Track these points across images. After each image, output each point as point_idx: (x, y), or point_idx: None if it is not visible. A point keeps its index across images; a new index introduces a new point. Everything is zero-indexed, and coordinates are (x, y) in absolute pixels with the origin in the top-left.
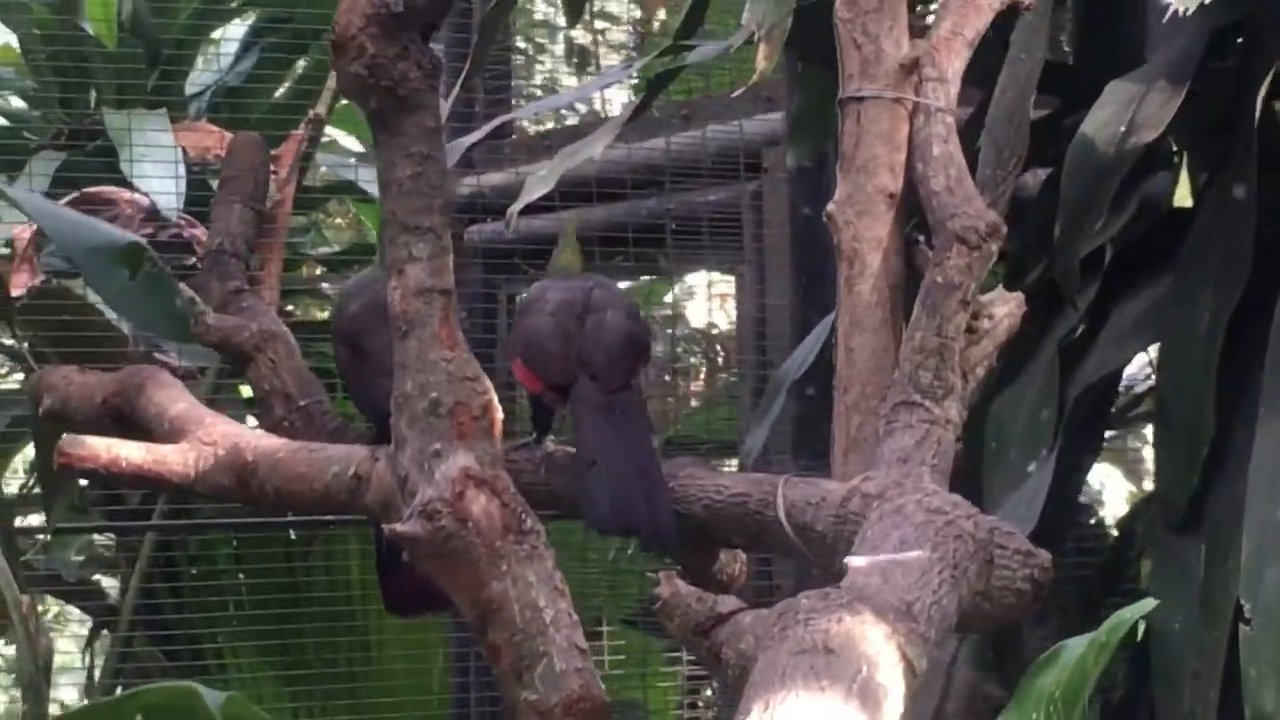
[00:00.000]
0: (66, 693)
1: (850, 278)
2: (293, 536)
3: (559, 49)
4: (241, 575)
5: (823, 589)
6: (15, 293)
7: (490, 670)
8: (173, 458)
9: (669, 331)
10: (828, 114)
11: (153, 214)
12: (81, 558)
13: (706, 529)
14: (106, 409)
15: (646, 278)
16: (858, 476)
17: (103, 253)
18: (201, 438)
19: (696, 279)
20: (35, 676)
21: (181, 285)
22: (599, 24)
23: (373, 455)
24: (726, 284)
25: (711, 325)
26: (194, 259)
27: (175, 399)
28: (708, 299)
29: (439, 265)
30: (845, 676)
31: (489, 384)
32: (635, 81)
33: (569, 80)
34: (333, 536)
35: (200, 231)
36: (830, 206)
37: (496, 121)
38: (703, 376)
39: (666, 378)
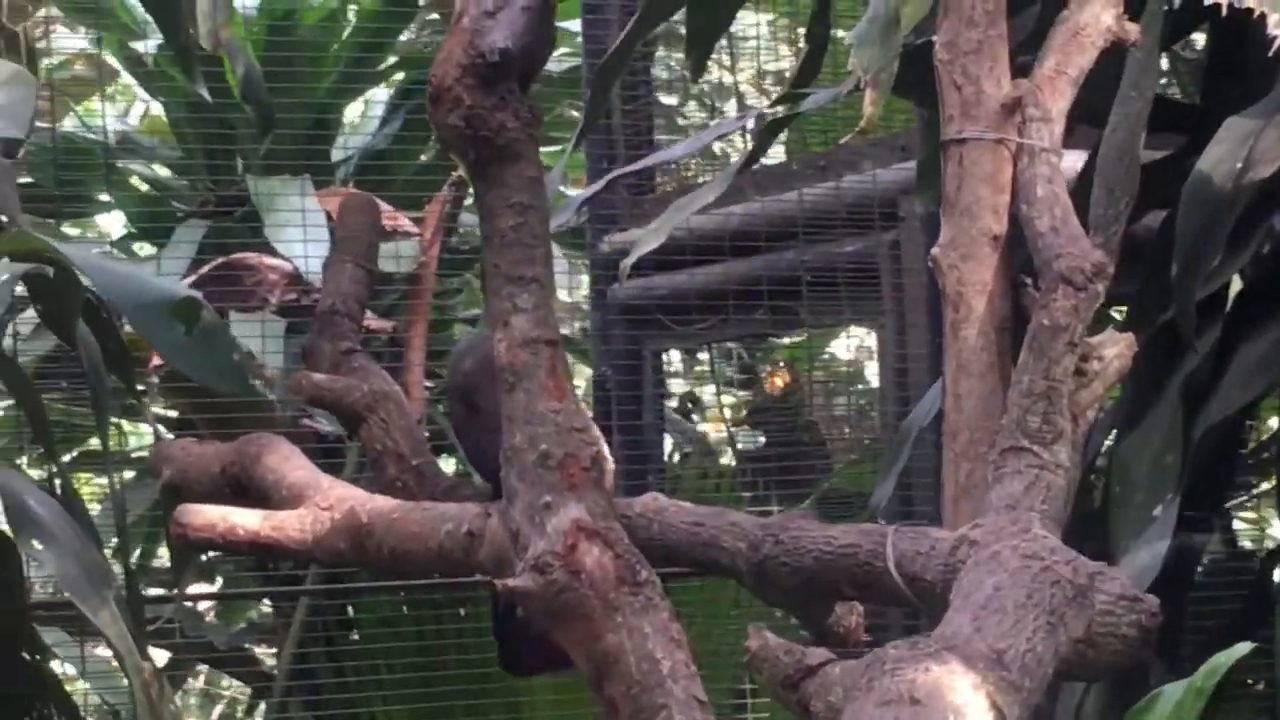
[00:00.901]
0: None
1: (956, 322)
2: (439, 600)
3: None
4: (392, 640)
5: (911, 638)
6: (157, 360)
7: None
8: (289, 524)
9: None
10: None
11: (295, 279)
12: (239, 626)
13: (817, 581)
14: (225, 479)
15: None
16: (966, 525)
17: (156, 307)
18: (318, 502)
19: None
20: None
21: (235, 340)
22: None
23: (485, 511)
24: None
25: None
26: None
27: (293, 466)
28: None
29: (544, 315)
30: None
31: (598, 434)
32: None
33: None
34: (480, 598)
35: None
36: (934, 250)
37: (609, 178)
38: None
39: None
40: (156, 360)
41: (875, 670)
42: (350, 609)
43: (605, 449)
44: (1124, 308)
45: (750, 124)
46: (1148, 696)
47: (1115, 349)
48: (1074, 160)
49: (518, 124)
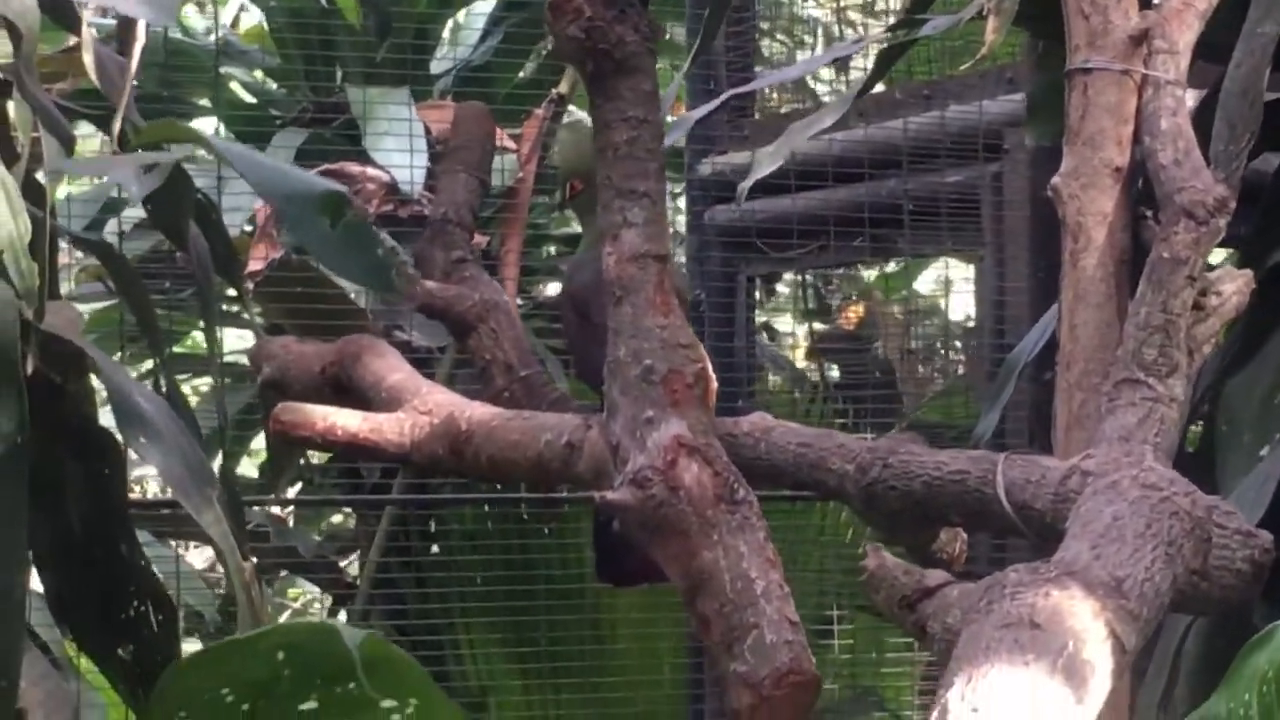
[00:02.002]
0: None
1: (1075, 252)
2: (525, 515)
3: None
4: (475, 554)
5: (1031, 563)
6: (254, 266)
7: None
8: (388, 427)
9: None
10: None
11: (393, 190)
12: (320, 537)
13: (926, 506)
14: (325, 378)
15: (894, 263)
16: (1078, 455)
17: (302, 199)
18: (417, 406)
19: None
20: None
21: (383, 235)
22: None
23: (586, 423)
24: (960, 270)
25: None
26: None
27: (393, 368)
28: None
29: (654, 230)
30: (1050, 651)
31: (703, 352)
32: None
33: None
34: (566, 514)
35: None
36: (1055, 180)
37: (724, 96)
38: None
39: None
40: (252, 266)
41: (994, 593)
42: (433, 522)
43: (709, 367)
44: (1231, 249)
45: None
46: (1267, 629)
47: (1233, 285)
48: (1188, 97)
49: (636, 37)
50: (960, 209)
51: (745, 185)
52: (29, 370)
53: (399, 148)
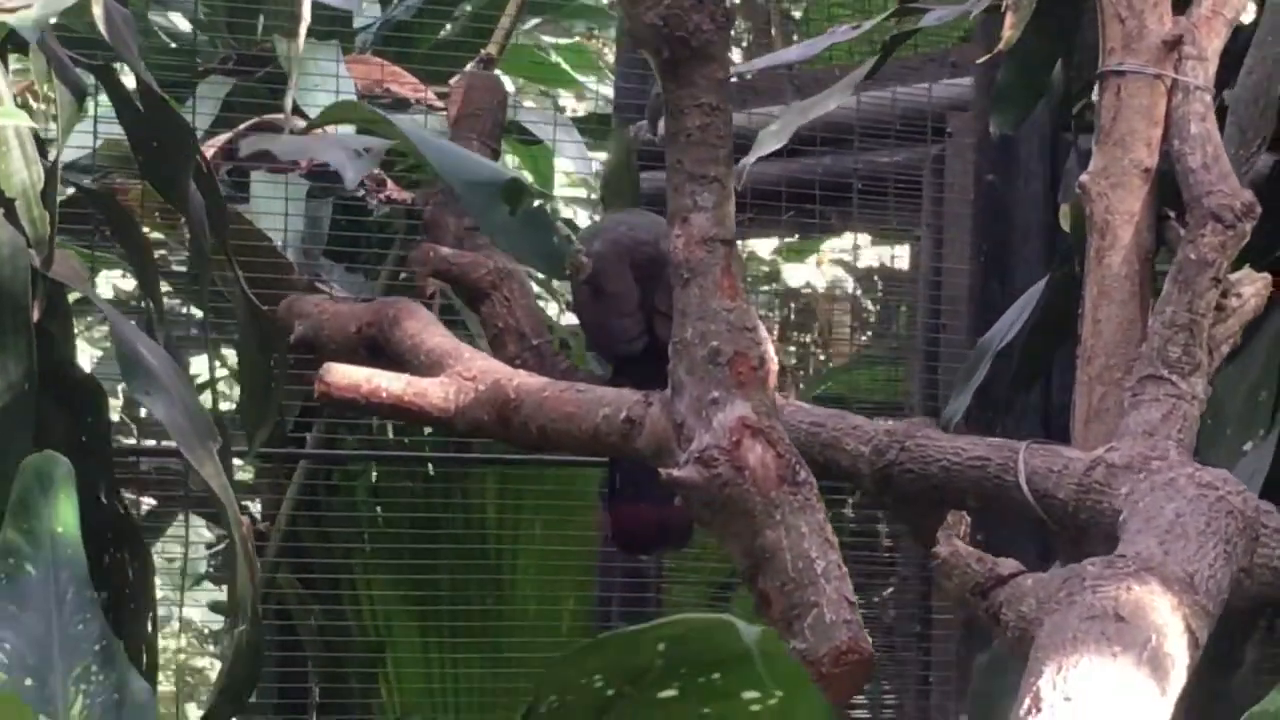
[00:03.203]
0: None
1: (1100, 249)
2: (431, 473)
3: None
4: (379, 509)
5: (1106, 557)
6: None
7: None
8: (433, 391)
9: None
10: (1035, 84)
11: None
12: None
13: (943, 490)
14: (360, 339)
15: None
16: (1102, 447)
17: (485, 187)
18: (461, 372)
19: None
20: (252, 595)
21: (558, 224)
22: None
23: (646, 400)
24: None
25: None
26: (362, 190)
27: (432, 333)
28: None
29: (722, 214)
30: (1136, 644)
31: (766, 335)
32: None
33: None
34: (471, 475)
35: None
36: (1084, 178)
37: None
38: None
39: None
40: None
41: (1074, 585)
42: (337, 476)
43: (771, 350)
44: None
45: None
46: None
47: (1253, 287)
48: None
49: (713, 26)
50: (903, 188)
51: (746, 162)
52: (36, 317)
53: (327, 102)
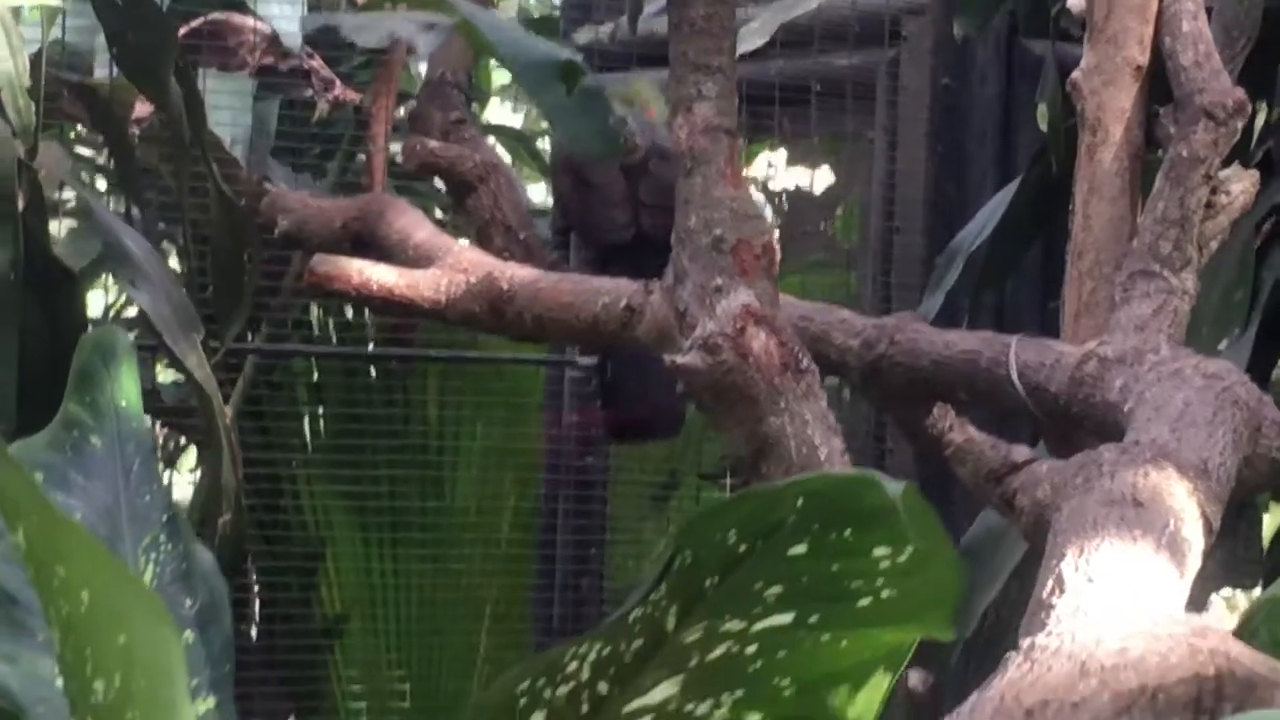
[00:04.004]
0: None
1: (1091, 146)
2: (373, 374)
3: None
4: (321, 407)
5: (1120, 444)
6: (140, 112)
7: (575, 525)
8: (424, 283)
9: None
10: None
11: (274, 43)
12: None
13: (933, 384)
14: (346, 233)
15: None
16: (1093, 341)
17: (542, 66)
18: (452, 264)
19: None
20: (236, 487)
21: (615, 106)
22: None
23: (646, 288)
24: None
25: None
26: (310, 90)
27: (418, 225)
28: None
29: (726, 105)
30: (1155, 529)
31: (769, 224)
32: None
33: None
34: (412, 373)
35: (318, 63)
36: (1075, 75)
37: None
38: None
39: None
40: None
41: (1091, 471)
42: (278, 372)
43: (775, 239)
44: None
45: None
46: None
47: (1241, 185)
48: None
49: None
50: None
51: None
52: (21, 206)
53: (280, 1)
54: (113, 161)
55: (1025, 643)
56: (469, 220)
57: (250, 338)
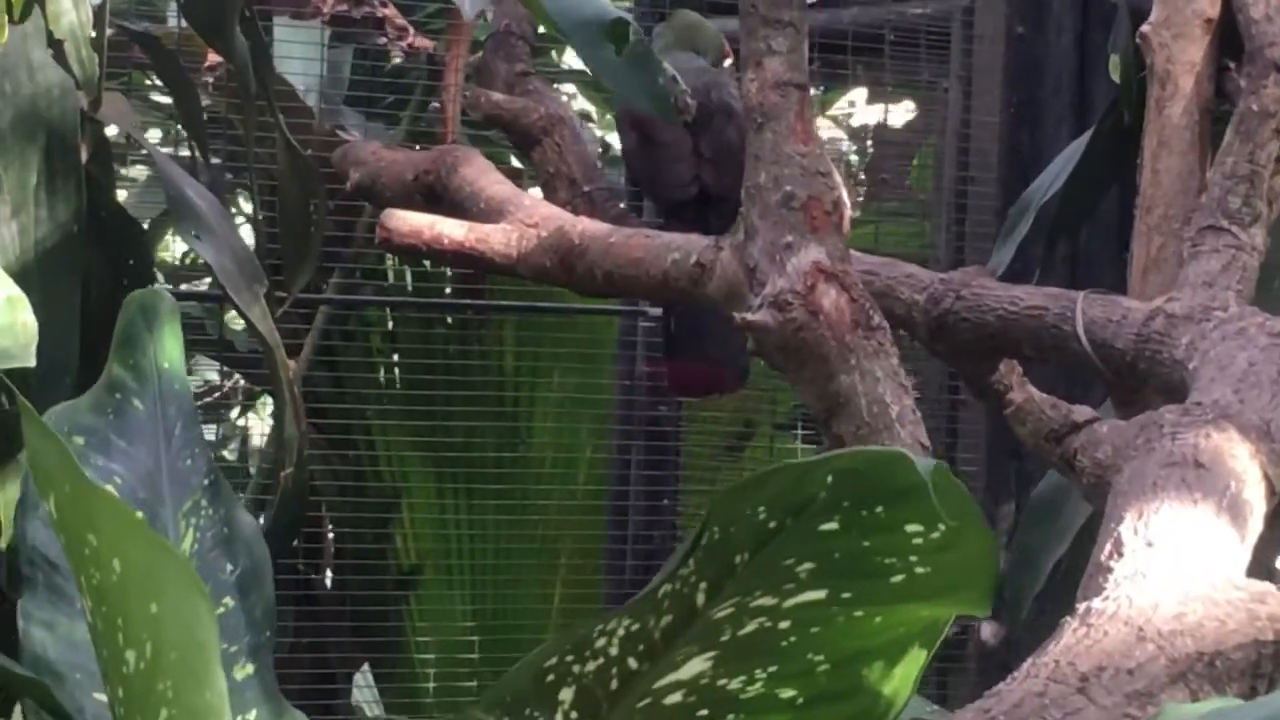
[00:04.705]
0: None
1: (1161, 99)
2: (450, 322)
3: None
4: (396, 357)
5: (1182, 405)
6: (212, 60)
7: (648, 476)
8: (494, 237)
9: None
10: None
11: None
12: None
13: (998, 340)
14: (418, 186)
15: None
16: (1161, 297)
17: (591, 26)
18: (523, 219)
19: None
20: (299, 440)
21: (665, 65)
22: None
23: (716, 244)
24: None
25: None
26: (383, 39)
27: (491, 180)
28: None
29: (796, 59)
30: (1216, 491)
31: (839, 180)
32: None
33: None
34: (489, 323)
35: (391, 11)
36: (1145, 28)
37: None
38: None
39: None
40: (211, 60)
41: (1152, 432)
42: (354, 322)
43: (844, 195)
44: None
45: None
46: None
47: None
48: None
49: None
50: (933, 40)
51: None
52: (84, 159)
53: None
54: (179, 112)
55: (1081, 607)
56: (536, 172)
57: (322, 288)
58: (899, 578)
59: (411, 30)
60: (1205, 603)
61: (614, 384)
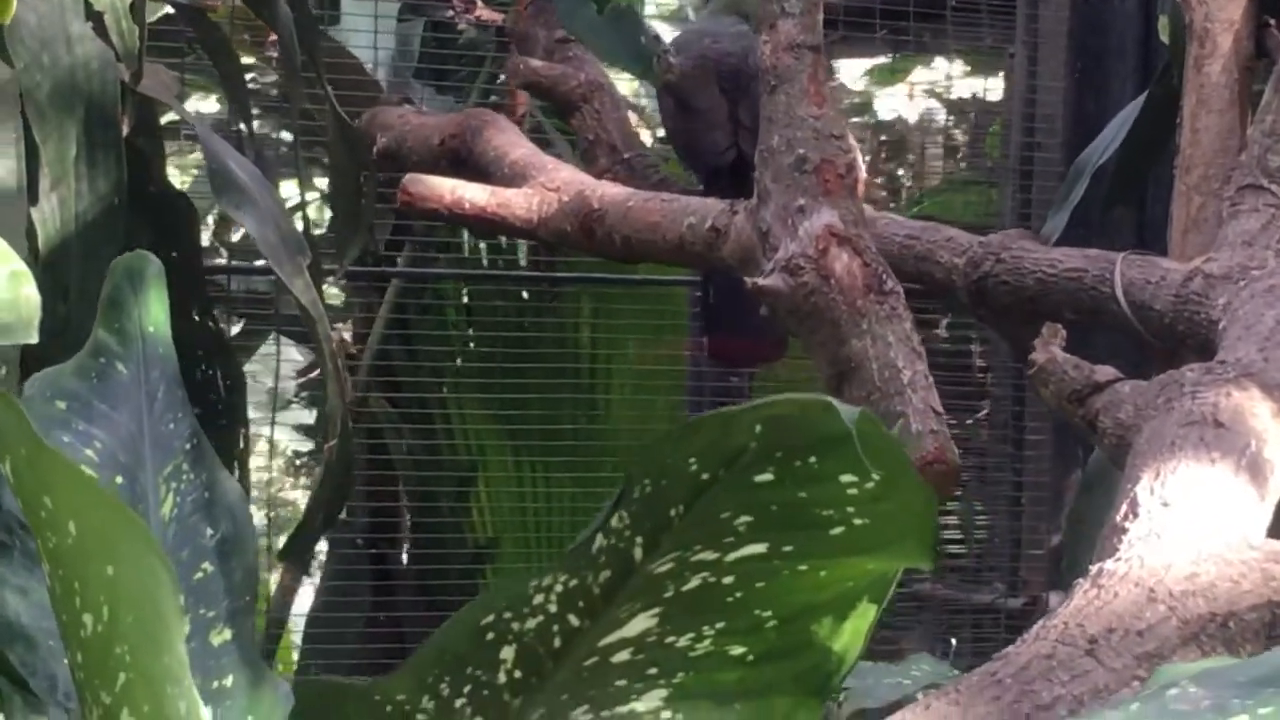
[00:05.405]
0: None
1: (1199, 58)
2: (525, 296)
3: None
4: (471, 330)
5: (1205, 364)
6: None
7: None
8: (516, 201)
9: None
10: None
11: None
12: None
13: (1038, 303)
14: (443, 150)
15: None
16: (1200, 258)
17: None
18: (544, 183)
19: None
20: (343, 411)
21: (647, 24)
22: None
23: (731, 208)
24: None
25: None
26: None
27: (515, 144)
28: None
29: (810, 21)
30: (1235, 450)
31: (854, 143)
32: None
33: None
34: (564, 294)
35: None
36: None
37: None
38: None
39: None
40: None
41: (1173, 391)
42: (429, 295)
43: (859, 158)
44: None
45: None
46: None
47: None
48: None
49: None
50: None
51: None
52: (126, 132)
53: None
54: (223, 84)
55: (1094, 569)
56: (575, 140)
57: (395, 262)
58: (838, 530)
59: (480, 2)
60: (1219, 563)
61: (685, 354)
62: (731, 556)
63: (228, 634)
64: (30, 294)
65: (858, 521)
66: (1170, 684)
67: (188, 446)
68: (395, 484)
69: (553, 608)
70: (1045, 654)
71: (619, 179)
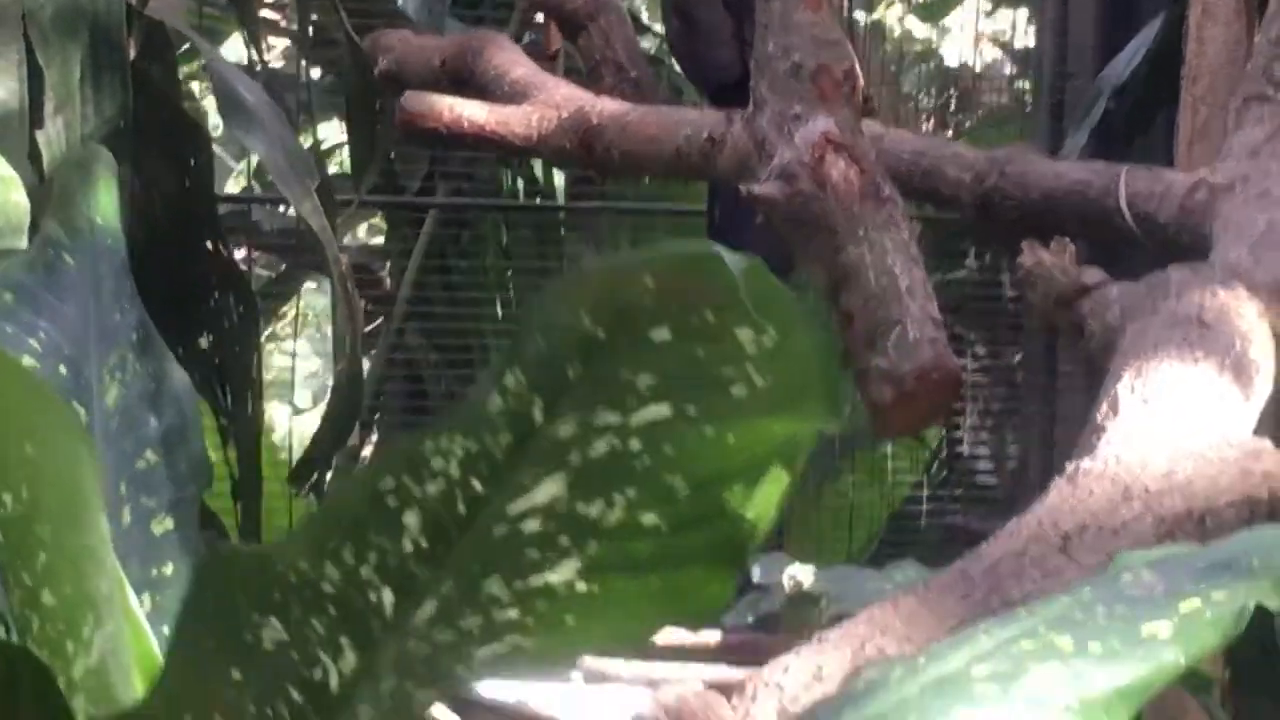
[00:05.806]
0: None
1: None
2: (563, 232)
3: None
4: (509, 272)
5: (1192, 264)
6: None
7: None
8: (515, 119)
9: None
10: None
11: None
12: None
13: (1043, 217)
14: (444, 70)
15: None
16: (1204, 168)
17: None
18: (544, 100)
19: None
20: (352, 335)
21: None
22: None
23: (728, 118)
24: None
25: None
26: None
27: (516, 63)
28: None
29: None
30: (1219, 350)
31: (851, 50)
32: None
33: None
34: (603, 226)
35: None
36: None
37: None
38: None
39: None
40: None
41: (1159, 292)
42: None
43: (856, 64)
44: None
45: None
46: None
47: None
48: None
49: None
50: None
51: None
52: (133, 55)
53: None
54: (236, 11)
55: (1070, 466)
56: (582, 59)
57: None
58: (740, 390)
59: None
60: (1196, 460)
61: None
62: (635, 420)
63: (169, 523)
64: (20, 200)
65: (758, 381)
66: (1126, 568)
67: (134, 337)
68: (359, 408)
69: (454, 472)
70: (1017, 551)
71: (626, 98)
